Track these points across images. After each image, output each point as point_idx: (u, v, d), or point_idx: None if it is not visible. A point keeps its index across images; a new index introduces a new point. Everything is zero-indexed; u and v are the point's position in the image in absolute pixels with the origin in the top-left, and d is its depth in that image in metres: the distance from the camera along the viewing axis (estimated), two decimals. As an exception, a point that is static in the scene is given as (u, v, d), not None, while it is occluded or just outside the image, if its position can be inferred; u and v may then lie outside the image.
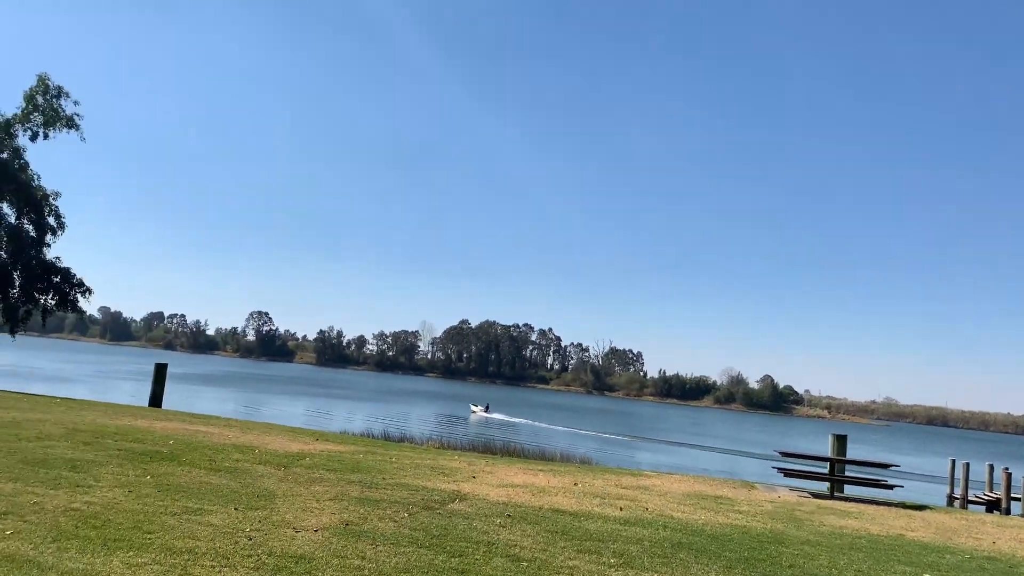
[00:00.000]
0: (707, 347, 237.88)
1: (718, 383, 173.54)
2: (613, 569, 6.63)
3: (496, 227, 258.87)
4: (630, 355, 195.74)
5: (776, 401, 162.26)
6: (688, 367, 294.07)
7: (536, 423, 58.65)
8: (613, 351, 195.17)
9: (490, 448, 24.26)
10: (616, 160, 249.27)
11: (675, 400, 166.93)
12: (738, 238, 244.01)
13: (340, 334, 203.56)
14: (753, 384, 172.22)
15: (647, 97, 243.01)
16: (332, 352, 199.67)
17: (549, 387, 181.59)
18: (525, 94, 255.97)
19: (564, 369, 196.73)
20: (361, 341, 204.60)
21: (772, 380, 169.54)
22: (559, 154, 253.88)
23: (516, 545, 7.20)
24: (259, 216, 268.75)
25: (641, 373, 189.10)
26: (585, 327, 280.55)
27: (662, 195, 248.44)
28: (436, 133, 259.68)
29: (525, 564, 6.50)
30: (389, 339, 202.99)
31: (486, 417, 62.72)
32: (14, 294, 31.28)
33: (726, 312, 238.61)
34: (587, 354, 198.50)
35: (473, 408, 68.41)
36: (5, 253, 30.96)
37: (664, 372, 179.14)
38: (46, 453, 9.99)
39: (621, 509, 9.91)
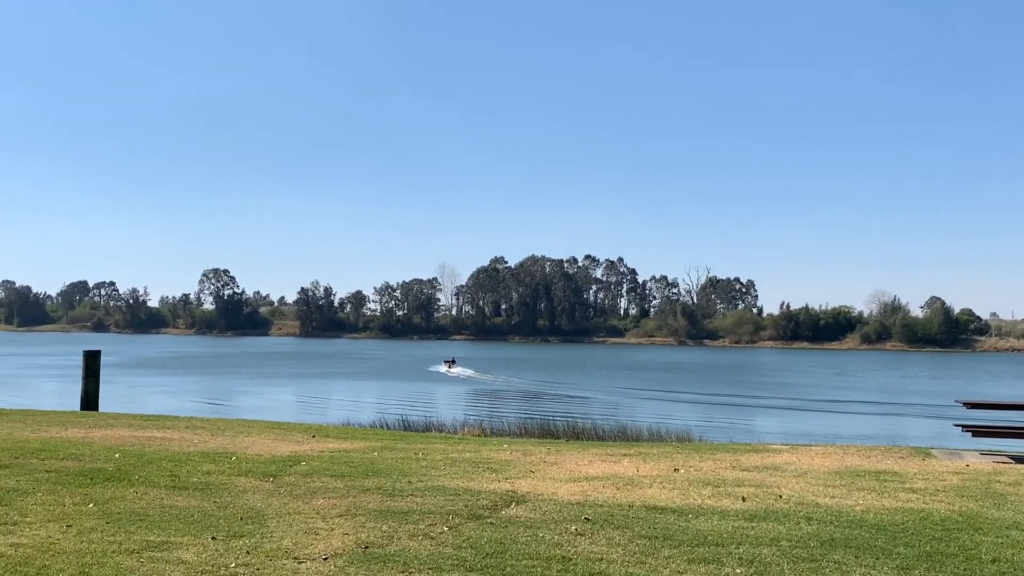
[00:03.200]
0: (847, 267, 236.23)
1: (865, 314, 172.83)
2: (741, 582, 6.66)
3: (537, 129, 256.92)
4: (737, 287, 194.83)
5: (950, 333, 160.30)
6: (822, 296, 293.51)
7: (515, 379, 60.30)
8: (712, 283, 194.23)
9: (550, 431, 24.50)
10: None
11: (805, 343, 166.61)
12: (878, 109, 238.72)
13: (329, 292, 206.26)
14: (915, 312, 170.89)
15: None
16: (320, 317, 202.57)
17: (625, 340, 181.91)
18: None
19: (644, 314, 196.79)
20: (359, 299, 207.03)
21: (942, 304, 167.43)
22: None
23: (602, 559, 7.27)
24: (204, 142, 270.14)
25: (754, 310, 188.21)
26: (669, 254, 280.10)
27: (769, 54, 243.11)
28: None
29: (617, 584, 6.55)
30: (397, 293, 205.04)
31: (450, 374, 75.00)
32: None
33: (870, 216, 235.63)
34: (675, 291, 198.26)
35: (446, 363, 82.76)
36: None
37: (788, 306, 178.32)
38: (-48, 483, 10.32)
39: (744, 499, 9.96)
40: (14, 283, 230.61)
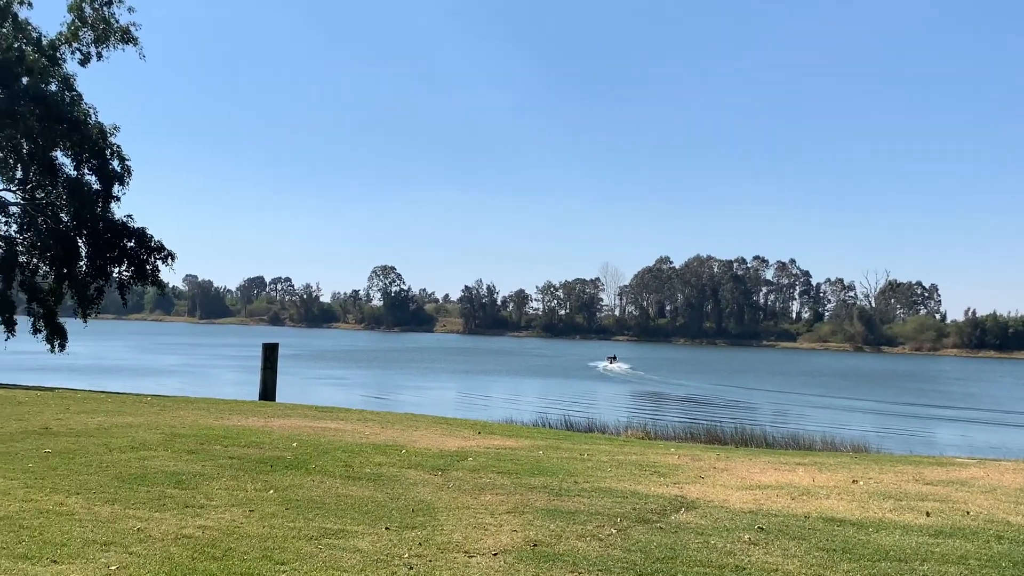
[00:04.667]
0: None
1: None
2: (927, 601, 6.44)
3: (704, 127, 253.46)
4: (919, 292, 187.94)
5: None
6: (1011, 303, 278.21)
7: (681, 381, 59.50)
8: (892, 287, 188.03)
9: (717, 436, 24.20)
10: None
11: (992, 352, 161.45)
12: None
13: (492, 290, 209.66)
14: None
15: None
16: (484, 315, 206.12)
17: (797, 345, 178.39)
18: None
19: (818, 318, 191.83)
20: (521, 298, 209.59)
21: None
22: None
23: (777, 570, 7.16)
24: (374, 144, 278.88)
25: (937, 316, 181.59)
26: (845, 256, 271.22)
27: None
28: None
29: (793, 596, 6.44)
30: (559, 293, 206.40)
31: (609, 370, 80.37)
32: (81, 267, 33.79)
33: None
34: (852, 294, 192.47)
35: (608, 358, 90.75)
36: (66, 215, 33.53)
37: (973, 312, 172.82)
38: (144, 466, 11.03)
39: (928, 514, 9.61)
40: (197, 277, 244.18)
